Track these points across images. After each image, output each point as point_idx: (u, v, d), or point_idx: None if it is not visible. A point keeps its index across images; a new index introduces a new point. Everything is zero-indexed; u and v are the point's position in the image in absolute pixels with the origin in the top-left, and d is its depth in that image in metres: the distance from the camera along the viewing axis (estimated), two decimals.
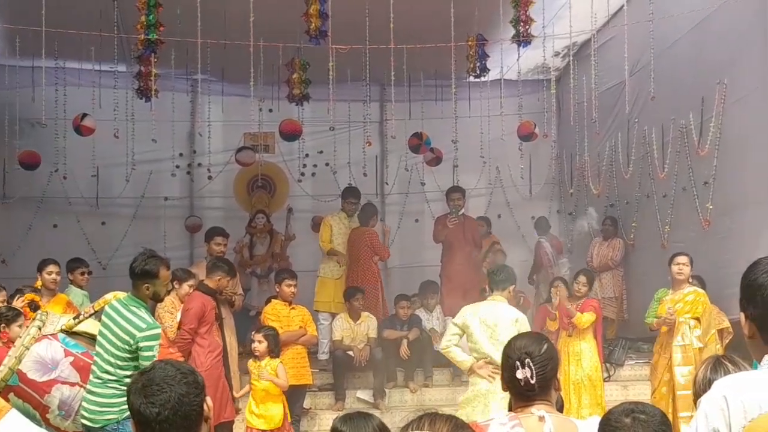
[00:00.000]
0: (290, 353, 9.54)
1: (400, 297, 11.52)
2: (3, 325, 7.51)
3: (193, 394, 2.91)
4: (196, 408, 2.91)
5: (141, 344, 5.84)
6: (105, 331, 6.00)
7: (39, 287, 9.36)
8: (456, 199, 12.41)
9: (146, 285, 6.08)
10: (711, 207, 10.14)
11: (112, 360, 5.94)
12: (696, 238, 10.35)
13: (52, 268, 9.63)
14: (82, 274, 10.39)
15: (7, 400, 6.24)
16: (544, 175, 14.71)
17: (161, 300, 6.43)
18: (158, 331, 6.04)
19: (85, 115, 12.51)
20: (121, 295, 6.22)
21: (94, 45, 11.68)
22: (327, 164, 14.44)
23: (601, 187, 12.91)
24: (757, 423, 2.29)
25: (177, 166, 13.81)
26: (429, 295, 11.91)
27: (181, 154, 14.19)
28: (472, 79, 12.06)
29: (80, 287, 10.27)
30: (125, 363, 5.85)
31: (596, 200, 13.17)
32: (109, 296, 6.26)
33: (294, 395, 9.58)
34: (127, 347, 5.91)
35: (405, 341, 10.98)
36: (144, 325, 5.93)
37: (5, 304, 8.21)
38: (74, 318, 6.33)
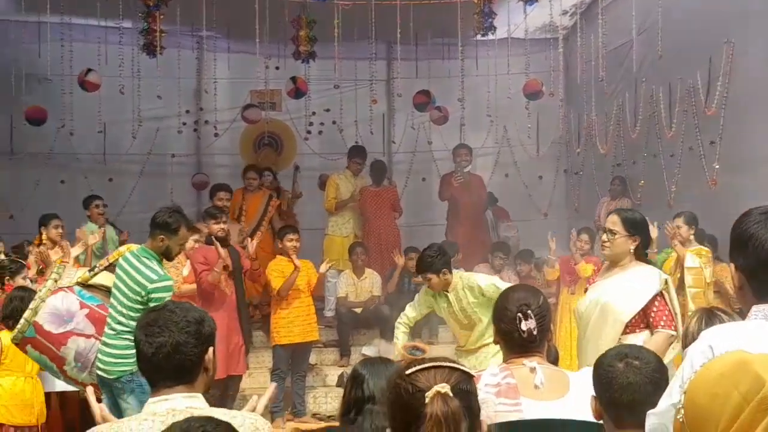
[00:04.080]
0: (297, 310, 9.59)
1: (410, 249, 11.58)
2: (7, 277, 7.61)
3: (191, 345, 2.96)
4: (192, 358, 2.96)
5: (152, 295, 5.88)
6: (118, 283, 6.06)
7: (42, 242, 9.47)
8: (463, 155, 12.42)
9: (162, 236, 6.13)
10: (717, 166, 10.15)
11: (125, 311, 5.99)
12: (703, 197, 10.37)
13: (57, 221, 9.76)
14: (96, 207, 10.82)
15: (25, 351, 6.34)
16: (552, 134, 14.68)
17: (171, 258, 6.44)
18: (170, 283, 6.09)
19: (89, 70, 12.50)
20: (135, 247, 6.27)
21: (100, 1, 11.66)
22: (334, 122, 14.41)
23: (609, 146, 12.90)
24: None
25: (183, 123, 13.82)
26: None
27: (187, 111, 14.16)
28: (479, 37, 12.01)
29: (95, 222, 10.52)
30: (137, 314, 5.83)
31: (603, 159, 13.17)
32: (123, 248, 6.32)
33: (300, 351, 9.67)
34: (138, 298, 5.96)
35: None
36: (155, 277, 5.98)
37: (8, 255, 8.29)
38: (89, 270, 6.39)
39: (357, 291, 11.22)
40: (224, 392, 8.76)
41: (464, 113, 12.86)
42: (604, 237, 5.55)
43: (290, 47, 12.20)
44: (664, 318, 5.39)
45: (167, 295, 5.91)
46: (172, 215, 6.20)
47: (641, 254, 5.60)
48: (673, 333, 5.35)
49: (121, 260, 6.12)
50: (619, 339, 5.26)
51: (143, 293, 5.93)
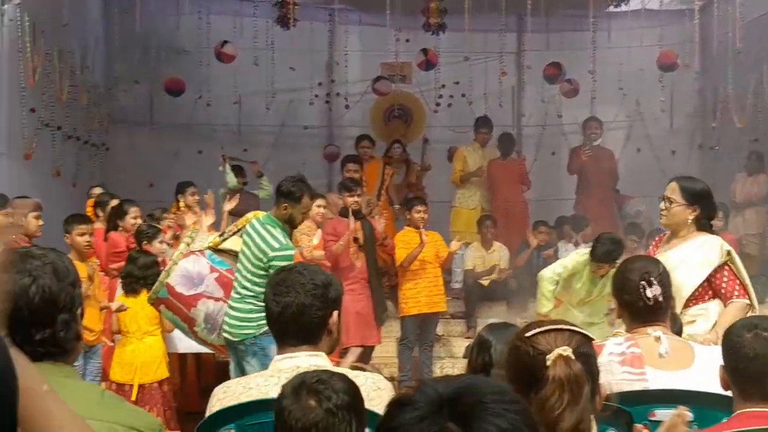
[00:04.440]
0: (425, 281, 9.65)
1: (539, 223, 11.52)
2: (144, 241, 7.96)
3: (315, 307, 3.06)
4: (316, 320, 3.06)
5: (273, 263, 6.01)
6: (244, 249, 6.24)
7: (178, 209, 9.83)
8: (593, 128, 12.29)
9: (285, 205, 6.29)
10: None
11: (249, 276, 6.16)
12: None
13: (193, 189, 10.11)
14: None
15: (159, 311, 6.64)
16: (686, 108, 14.34)
17: (295, 226, 6.60)
18: (291, 252, 6.20)
19: (225, 42, 12.85)
20: (261, 214, 6.46)
21: None
22: (463, 95, 14.39)
23: (746, 120, 12.53)
24: None
25: (316, 95, 14.07)
26: (575, 227, 11.73)
27: (319, 84, 14.41)
28: (612, 9, 11.82)
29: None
30: (260, 280, 5.98)
31: (740, 134, 12.80)
32: (250, 215, 6.52)
33: (428, 322, 9.75)
34: (261, 264, 6.11)
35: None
36: (277, 245, 6.12)
37: (145, 221, 8.63)
38: (220, 236, 6.63)
39: (485, 263, 11.26)
40: (361, 361, 8.87)
41: (595, 86, 12.68)
42: (662, 205, 5.32)
43: (420, 19, 12.25)
44: (737, 288, 5.17)
45: (287, 264, 6.01)
46: (295, 184, 6.36)
47: (703, 225, 5.33)
48: (748, 302, 5.15)
49: (247, 226, 6.30)
50: (682, 312, 5.07)
51: (265, 259, 6.08)
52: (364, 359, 8.98)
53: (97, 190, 10.19)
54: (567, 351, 2.37)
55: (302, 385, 2.54)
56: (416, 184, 12.75)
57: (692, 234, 5.29)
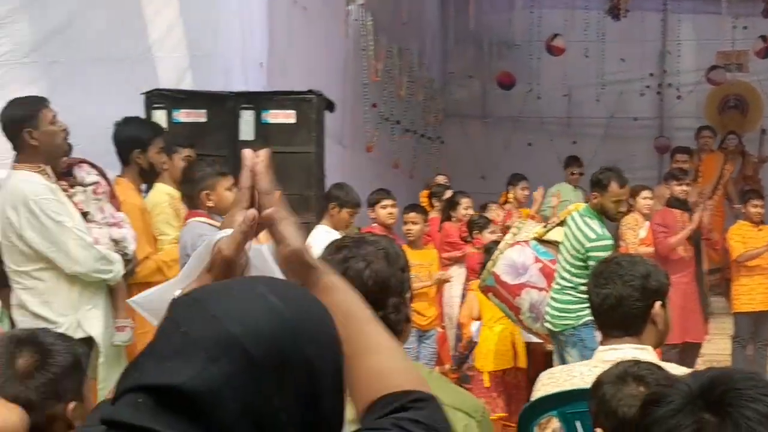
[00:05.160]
0: (761, 278, 9.23)
1: None
2: (475, 231, 8.25)
3: (634, 298, 3.06)
4: (635, 311, 3.05)
5: (590, 254, 6.04)
6: (564, 240, 6.36)
7: (507, 201, 10.06)
8: None
9: (595, 194, 6.34)
10: None
11: (568, 267, 6.24)
12: None
13: (525, 183, 10.24)
14: (572, 173, 11.09)
15: (488, 298, 6.91)
16: None
17: (612, 218, 6.53)
18: (608, 242, 6.18)
19: (556, 35, 13.00)
20: (581, 206, 6.55)
21: None
22: None
23: None
24: None
25: (647, 86, 13.88)
26: None
27: (651, 74, 14.18)
28: None
29: (571, 183, 10.96)
30: (579, 271, 6.02)
31: None
32: (571, 207, 6.64)
33: (763, 319, 9.32)
34: (579, 255, 6.17)
35: None
36: (593, 236, 6.16)
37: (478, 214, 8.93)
38: (544, 226, 6.80)
39: None
40: (682, 358, 8.71)
41: None
42: None
43: (759, 5, 11.75)
44: None
45: (605, 254, 5.99)
46: (603, 173, 6.38)
47: None
48: None
49: (568, 218, 6.40)
50: None
51: (582, 250, 6.15)
52: (689, 356, 8.79)
53: (441, 179, 10.60)
54: None
55: (625, 373, 2.54)
56: (752, 176, 12.24)
57: None
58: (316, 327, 1.24)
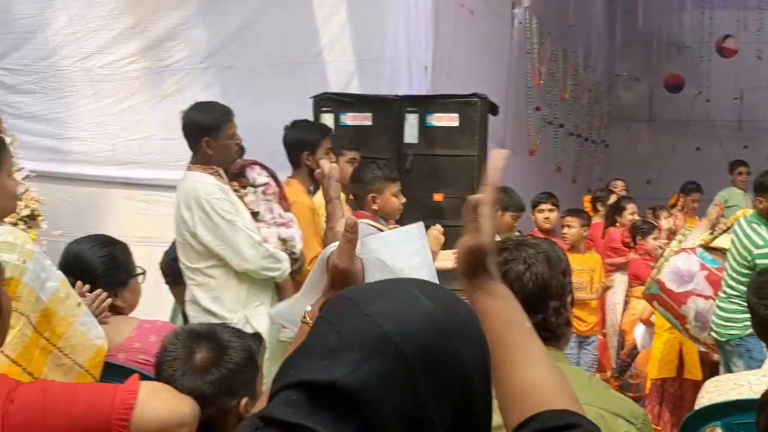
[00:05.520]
0: None
1: None
2: (639, 237, 8.09)
3: None
4: None
5: (757, 261, 5.86)
6: (731, 247, 6.17)
7: (676, 205, 9.83)
8: None
9: (759, 198, 6.06)
10: None
11: (734, 275, 6.05)
12: None
13: (696, 195, 9.99)
14: (740, 174, 10.70)
15: (653, 307, 6.76)
16: None
17: None
18: None
19: (727, 36, 12.63)
20: (748, 212, 6.34)
21: None
22: None
23: None
24: None
25: None
26: None
27: None
28: None
29: (738, 187, 10.60)
30: (745, 279, 5.70)
31: None
32: (739, 213, 6.44)
33: None
34: (745, 263, 5.97)
35: None
36: (761, 242, 5.96)
37: (642, 219, 8.76)
38: (710, 233, 6.62)
39: None
40: None
41: None
42: None
43: None
44: None
45: None
46: (764, 175, 6.17)
47: None
48: None
49: (735, 225, 6.21)
50: None
51: (749, 257, 5.95)
52: None
53: (619, 185, 10.43)
54: None
55: None
56: None
57: None
58: (465, 328, 1.26)
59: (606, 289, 7.71)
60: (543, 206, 7.24)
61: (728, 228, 6.39)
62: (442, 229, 4.92)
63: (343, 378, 1.16)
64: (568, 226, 7.44)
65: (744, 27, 12.67)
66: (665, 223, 8.41)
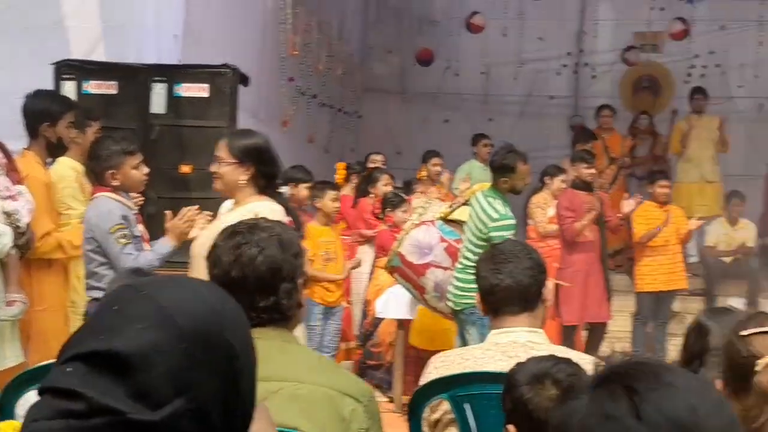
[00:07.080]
0: (663, 258, 9.45)
1: None
2: (388, 209, 8.26)
3: (536, 270, 3.20)
4: (534, 284, 3.20)
5: (492, 234, 6.14)
6: (468, 220, 6.45)
7: (422, 178, 10.11)
8: None
9: (504, 179, 6.43)
10: None
11: (470, 246, 6.33)
12: None
13: (436, 160, 10.30)
14: (485, 146, 11.13)
15: (394, 279, 6.99)
16: None
17: (518, 193, 6.71)
18: (510, 222, 6.25)
19: (475, 12, 13.11)
20: (486, 186, 6.64)
21: None
22: (717, 66, 13.93)
23: None
24: None
25: (563, 65, 14.06)
26: None
27: (568, 53, 14.35)
28: None
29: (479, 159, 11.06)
30: (481, 251, 6.07)
31: None
32: (475, 187, 6.73)
33: (664, 299, 9.60)
34: (481, 235, 6.26)
35: None
36: (496, 216, 6.25)
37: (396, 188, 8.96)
38: (449, 206, 6.88)
39: (729, 241, 10.93)
40: (589, 338, 8.89)
41: None
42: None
43: None
44: None
45: (508, 234, 6.08)
46: (506, 156, 6.48)
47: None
48: None
49: (472, 198, 6.49)
50: None
51: (485, 230, 6.24)
52: (596, 336, 8.98)
53: (378, 158, 10.47)
54: None
55: (543, 375, 2.47)
56: (662, 157, 12.52)
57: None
58: (234, 315, 1.36)
59: (354, 267, 7.83)
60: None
61: (466, 201, 6.66)
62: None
63: (119, 346, 1.22)
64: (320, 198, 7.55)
65: (491, 4, 13.19)
66: (416, 202, 8.65)
